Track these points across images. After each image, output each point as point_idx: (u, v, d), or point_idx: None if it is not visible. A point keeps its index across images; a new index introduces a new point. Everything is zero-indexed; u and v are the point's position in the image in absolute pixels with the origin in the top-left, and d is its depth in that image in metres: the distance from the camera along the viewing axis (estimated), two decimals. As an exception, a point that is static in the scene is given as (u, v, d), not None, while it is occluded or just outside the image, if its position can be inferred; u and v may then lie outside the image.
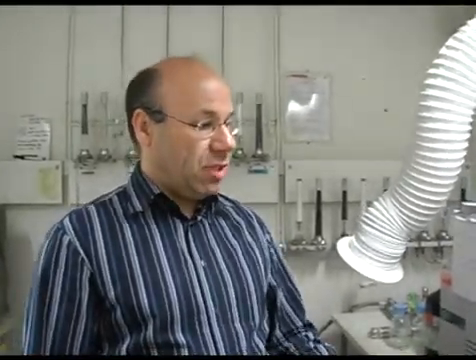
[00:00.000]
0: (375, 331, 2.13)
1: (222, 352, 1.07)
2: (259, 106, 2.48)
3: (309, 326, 1.33)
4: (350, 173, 2.55)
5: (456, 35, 1.40)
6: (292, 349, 1.26)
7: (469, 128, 1.43)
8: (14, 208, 2.46)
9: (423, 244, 2.59)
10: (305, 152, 2.61)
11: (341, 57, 2.62)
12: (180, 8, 2.49)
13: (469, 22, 1.41)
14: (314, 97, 2.67)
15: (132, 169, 2.42)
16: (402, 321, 2.06)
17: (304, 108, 2.66)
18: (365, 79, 2.64)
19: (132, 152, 2.44)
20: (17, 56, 2.50)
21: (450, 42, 1.41)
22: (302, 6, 2.50)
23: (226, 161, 1.12)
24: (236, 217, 1.27)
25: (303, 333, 1.30)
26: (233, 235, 1.22)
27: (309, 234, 2.58)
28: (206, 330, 1.07)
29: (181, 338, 1.04)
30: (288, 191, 2.57)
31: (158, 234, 1.11)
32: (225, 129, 1.09)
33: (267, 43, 2.61)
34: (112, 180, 2.34)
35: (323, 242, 2.56)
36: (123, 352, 1.04)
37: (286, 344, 1.27)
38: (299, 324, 1.31)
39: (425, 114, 1.42)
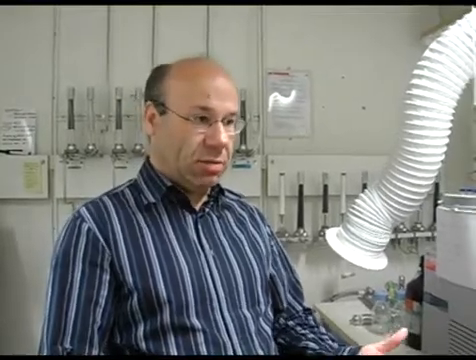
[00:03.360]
0: (357, 318, 2.22)
1: (233, 336, 1.12)
2: (243, 103, 2.55)
3: (308, 311, 1.42)
4: (330, 168, 2.63)
5: (439, 39, 1.50)
6: (298, 328, 1.34)
7: (450, 125, 1.54)
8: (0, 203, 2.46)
9: (399, 235, 2.71)
10: (287, 147, 2.70)
11: (321, 56, 2.71)
12: (166, 6, 2.54)
13: (451, 27, 1.51)
14: (295, 94, 2.75)
15: (118, 164, 2.50)
16: (383, 308, 2.16)
17: (285, 104, 2.74)
18: (344, 78, 2.74)
19: (119, 147, 2.49)
20: (2, 51, 2.49)
21: (434, 45, 1.51)
22: (284, 6, 2.58)
23: (220, 158, 1.16)
24: (240, 210, 1.35)
25: (303, 317, 1.38)
26: (238, 227, 1.29)
27: (291, 226, 2.66)
28: (218, 315, 1.12)
29: (196, 322, 1.09)
30: (271, 185, 2.65)
31: (170, 225, 1.17)
32: (220, 126, 1.13)
33: (250, 41, 2.68)
34: (99, 175, 2.44)
35: (305, 234, 2.65)
36: (140, 337, 1.07)
37: (290, 323, 1.35)
38: (299, 308, 1.39)
39: (410, 112, 1.52)
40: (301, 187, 2.63)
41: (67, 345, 1.04)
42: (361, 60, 2.74)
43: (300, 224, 2.65)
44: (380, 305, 2.18)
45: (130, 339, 1.09)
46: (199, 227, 1.20)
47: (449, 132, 1.55)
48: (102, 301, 1.08)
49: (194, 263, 1.14)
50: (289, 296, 1.38)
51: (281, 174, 2.59)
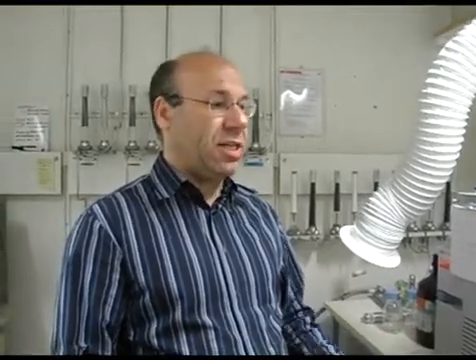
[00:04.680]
0: (368, 316, 2.23)
1: (244, 333, 1.12)
2: (256, 101, 2.56)
3: (307, 310, 1.43)
4: (342, 166, 2.64)
5: (455, 38, 1.50)
6: (289, 330, 1.37)
7: (465, 124, 1.54)
8: (13, 199, 2.48)
9: (410, 235, 2.71)
10: (299, 146, 2.71)
11: (333, 55, 2.72)
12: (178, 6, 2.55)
13: (467, 27, 1.51)
14: (307, 92, 2.76)
15: (131, 161, 2.52)
16: (395, 306, 2.17)
17: (298, 103, 2.75)
18: (356, 77, 2.74)
19: (132, 144, 2.51)
20: (17, 49, 2.51)
21: (450, 44, 1.51)
22: (297, 6, 2.59)
23: (240, 139, 1.17)
24: (253, 207, 1.35)
25: (301, 316, 1.40)
26: (251, 224, 1.29)
27: (303, 225, 2.67)
28: (229, 313, 1.13)
29: (208, 320, 1.10)
30: (283, 183, 2.66)
31: (183, 221, 1.17)
32: (238, 108, 1.16)
33: (263, 40, 2.69)
34: (112, 171, 2.46)
35: (316, 232, 2.66)
36: (153, 334, 1.08)
37: (285, 326, 1.36)
38: (298, 308, 1.41)
39: (426, 111, 1.52)
40: (313, 185, 2.64)
41: (82, 344, 1.06)
42: (373, 59, 2.75)
43: (312, 222, 2.66)
44: (391, 303, 2.19)
45: (143, 336, 1.10)
46: (212, 223, 1.20)
47: (464, 131, 1.55)
48: (111, 300, 1.09)
49: (206, 260, 1.14)
50: (292, 296, 1.40)
51: (293, 172, 2.60)
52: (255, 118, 2.58)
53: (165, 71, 1.23)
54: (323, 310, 2.59)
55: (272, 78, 2.70)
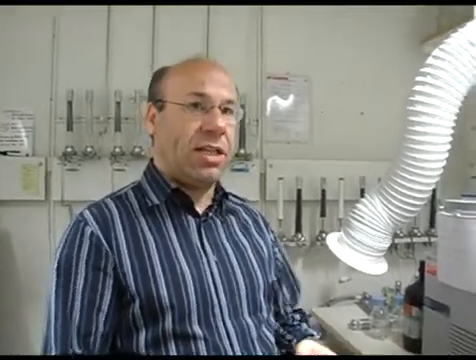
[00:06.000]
0: (355, 323, 2.23)
1: (235, 343, 1.11)
2: (242, 107, 2.55)
3: (299, 310, 1.44)
4: (328, 173, 2.64)
5: (442, 46, 1.51)
6: (276, 327, 1.35)
7: (451, 132, 1.55)
8: (-4, 204, 2.44)
9: (396, 241, 2.72)
10: (285, 152, 2.70)
11: (320, 61, 2.72)
12: (166, 9, 2.53)
13: (453, 35, 1.52)
14: (294, 98, 2.76)
15: (117, 166, 2.49)
16: (382, 312, 2.17)
17: (284, 109, 2.75)
18: (343, 83, 2.75)
19: (118, 150, 2.48)
20: (1, 53, 2.46)
21: (437, 52, 1.51)
22: (285, 13, 2.60)
23: (219, 144, 1.15)
24: (244, 216, 1.34)
25: (291, 315, 1.40)
26: (242, 233, 1.28)
27: (289, 231, 2.67)
28: (220, 323, 1.12)
29: (198, 330, 1.08)
30: (269, 189, 2.66)
31: (173, 229, 1.16)
32: (217, 111, 1.13)
33: (250, 45, 2.69)
34: (97, 177, 2.44)
35: (303, 239, 2.65)
36: (141, 344, 1.07)
37: (275, 326, 1.35)
38: (289, 310, 1.41)
39: (413, 118, 1.52)
40: (299, 192, 2.63)
41: (76, 350, 1.04)
42: (360, 66, 2.76)
43: (298, 229, 2.65)
44: (378, 310, 2.20)
45: (131, 346, 1.08)
46: (202, 232, 1.19)
47: (451, 139, 1.56)
48: (105, 307, 1.08)
49: (197, 268, 1.13)
50: (287, 303, 1.39)
51: (280, 178, 2.59)
52: (241, 124, 2.57)
53: (156, 77, 1.24)
54: (310, 316, 2.58)
55: (259, 84, 2.70)
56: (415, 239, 2.78)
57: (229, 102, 1.17)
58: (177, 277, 1.10)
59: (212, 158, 1.14)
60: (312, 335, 1.32)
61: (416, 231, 2.78)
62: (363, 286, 2.56)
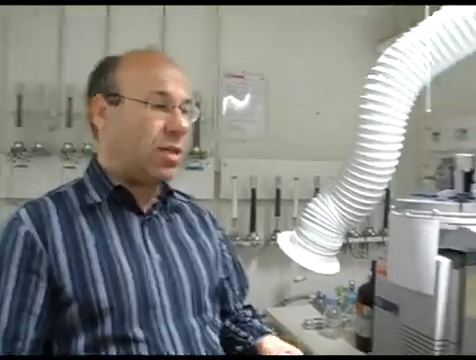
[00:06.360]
0: (309, 322, 2.23)
1: (178, 346, 1.08)
2: (198, 104, 2.52)
3: (248, 306, 1.40)
4: (283, 172, 2.63)
5: (394, 45, 1.51)
6: (228, 323, 1.32)
7: (404, 131, 1.56)
8: None
9: (350, 240, 2.73)
10: (240, 151, 2.67)
11: (277, 60, 2.70)
12: (121, 6, 2.46)
13: (406, 34, 1.52)
14: (250, 97, 2.74)
15: (67, 164, 2.42)
16: (335, 312, 2.17)
17: (240, 108, 2.73)
18: (299, 83, 2.73)
19: (68, 146, 2.41)
20: None
21: (389, 51, 1.52)
22: (241, 12, 2.57)
23: (180, 144, 1.14)
24: (190, 213, 1.30)
25: (241, 312, 1.37)
26: (187, 231, 1.25)
27: (243, 230, 2.64)
28: (162, 325, 1.08)
29: (139, 333, 1.05)
30: (223, 188, 2.63)
31: (114, 227, 1.12)
32: (179, 112, 1.12)
33: (207, 44, 2.65)
34: (47, 174, 2.36)
35: (257, 238, 2.64)
36: (80, 348, 1.02)
37: (227, 323, 1.32)
38: (239, 306, 1.37)
39: (364, 117, 1.52)
40: (254, 191, 2.61)
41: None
42: (316, 66, 2.75)
43: (252, 228, 2.64)
44: (331, 309, 2.20)
45: (68, 350, 1.04)
46: (146, 230, 1.16)
47: (403, 138, 1.57)
48: (37, 310, 1.03)
49: (139, 268, 1.10)
50: (237, 300, 1.37)
51: (234, 177, 2.57)
52: (196, 122, 2.51)
53: (106, 68, 1.18)
54: (264, 316, 2.56)
55: (215, 82, 2.66)
56: (369, 239, 2.80)
57: (187, 102, 1.16)
58: (117, 278, 1.06)
59: (174, 158, 1.13)
60: (269, 332, 1.30)
61: (370, 231, 2.80)
62: (318, 285, 2.55)
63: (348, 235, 2.71)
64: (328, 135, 2.67)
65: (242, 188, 2.61)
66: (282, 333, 2.41)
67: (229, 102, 2.71)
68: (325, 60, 2.77)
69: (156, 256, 1.14)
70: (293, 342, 1.42)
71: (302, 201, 2.47)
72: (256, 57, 2.68)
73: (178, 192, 1.30)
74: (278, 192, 2.65)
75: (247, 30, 2.65)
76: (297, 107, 2.71)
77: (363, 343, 1.93)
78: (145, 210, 1.18)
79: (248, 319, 1.34)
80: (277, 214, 2.66)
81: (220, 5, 2.60)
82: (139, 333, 1.05)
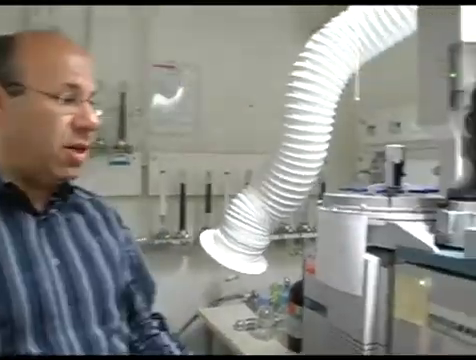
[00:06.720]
0: (240, 323, 2.14)
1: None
2: (123, 94, 2.38)
3: (156, 315, 1.30)
4: (214, 166, 2.53)
5: (322, 30, 1.44)
6: (134, 338, 1.21)
7: (332, 121, 1.48)
8: None
9: (285, 236, 2.65)
10: (169, 144, 2.53)
11: (209, 52, 2.56)
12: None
13: (334, 19, 1.45)
14: (181, 89, 2.61)
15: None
16: (267, 312, 2.09)
17: (170, 100, 2.59)
18: (232, 75, 2.61)
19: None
20: None
21: (316, 37, 1.44)
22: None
23: (88, 142, 1.05)
24: (93, 212, 1.18)
25: (147, 322, 1.26)
26: (89, 232, 1.13)
27: (173, 228, 2.52)
28: (61, 337, 0.97)
29: (33, 348, 0.93)
30: (151, 183, 2.49)
31: (6, 229, 0.99)
32: (88, 105, 1.03)
33: (135, 32, 2.49)
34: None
35: (187, 236, 2.52)
36: None
37: (133, 337, 1.21)
38: (146, 316, 1.26)
39: (291, 106, 1.44)
40: (183, 186, 2.50)
41: None
42: (250, 57, 2.63)
43: (182, 225, 2.51)
44: (264, 309, 2.13)
45: None
46: (42, 232, 1.04)
47: (331, 128, 1.49)
48: None
49: (31, 275, 0.97)
50: (142, 305, 1.25)
51: (162, 172, 2.44)
52: (122, 113, 2.40)
53: (1, 50, 1.03)
54: (196, 317, 2.46)
55: (143, 71, 2.51)
56: (304, 235, 2.72)
57: (92, 94, 1.06)
58: (6, 288, 0.94)
59: (81, 157, 1.04)
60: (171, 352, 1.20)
61: (305, 226, 2.72)
62: (252, 284, 2.45)
63: (283, 231, 2.64)
64: (261, 128, 2.56)
65: (171, 183, 2.49)
66: (214, 334, 2.32)
67: (158, 94, 2.57)
68: (258, 52, 2.65)
69: (53, 260, 1.02)
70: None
71: (233, 196, 2.37)
72: (187, 47, 2.54)
73: (79, 188, 1.18)
74: (209, 187, 2.54)
75: (178, 21, 2.49)
76: (230, 100, 2.60)
77: (295, 344, 1.85)
78: (40, 209, 1.06)
79: (154, 333, 1.23)
80: (208, 210, 2.55)
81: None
82: (34, 349, 0.93)
